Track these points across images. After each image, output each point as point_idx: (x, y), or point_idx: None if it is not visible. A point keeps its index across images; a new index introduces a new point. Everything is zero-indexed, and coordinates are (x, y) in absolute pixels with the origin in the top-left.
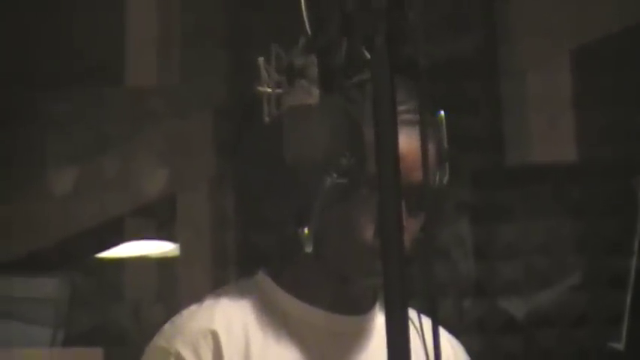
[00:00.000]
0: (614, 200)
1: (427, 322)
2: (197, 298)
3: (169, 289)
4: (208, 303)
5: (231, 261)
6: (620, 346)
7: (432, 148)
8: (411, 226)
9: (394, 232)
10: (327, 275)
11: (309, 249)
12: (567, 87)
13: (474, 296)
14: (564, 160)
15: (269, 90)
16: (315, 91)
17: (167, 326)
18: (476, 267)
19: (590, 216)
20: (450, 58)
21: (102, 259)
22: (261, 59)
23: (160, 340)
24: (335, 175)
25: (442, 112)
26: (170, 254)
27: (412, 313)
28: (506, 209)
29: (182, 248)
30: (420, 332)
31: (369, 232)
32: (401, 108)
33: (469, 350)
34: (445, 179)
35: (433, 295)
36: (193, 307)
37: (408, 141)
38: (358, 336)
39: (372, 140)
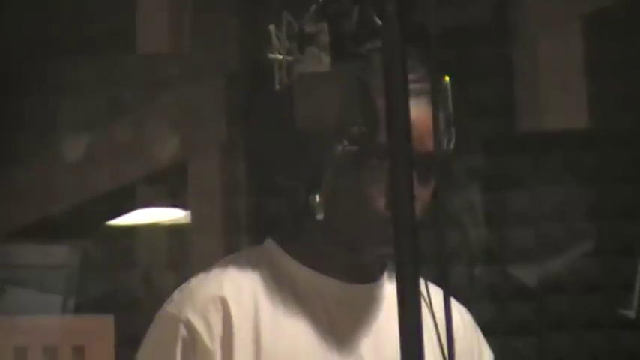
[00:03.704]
0: (626, 167)
1: (436, 292)
2: (208, 265)
3: (180, 257)
4: (217, 270)
5: (243, 228)
6: (631, 313)
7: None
8: (422, 195)
9: (406, 202)
10: (337, 243)
11: (320, 216)
12: (579, 53)
13: (485, 263)
14: (576, 127)
15: (280, 57)
16: (326, 59)
17: (176, 293)
18: (487, 234)
19: (602, 183)
20: (460, 24)
21: (113, 227)
22: (272, 26)
23: (169, 307)
24: (346, 143)
25: (447, 77)
26: (181, 221)
27: (421, 283)
28: (518, 176)
29: (193, 215)
30: (428, 303)
31: (380, 202)
32: (410, 76)
33: (480, 317)
34: (452, 144)
35: (444, 263)
36: (202, 275)
37: (417, 109)
38: (367, 304)
39: (383, 108)
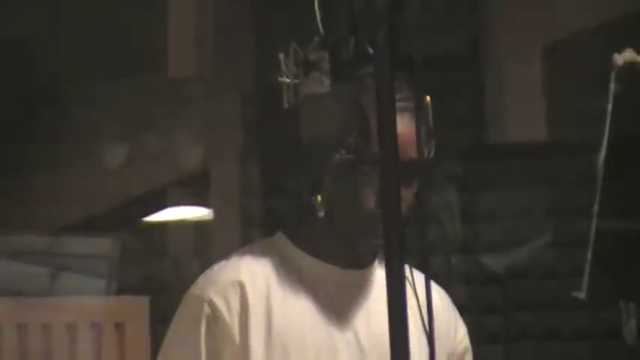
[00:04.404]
0: (579, 172)
1: (419, 277)
2: (227, 254)
3: (204, 247)
4: (235, 258)
5: (256, 224)
6: (582, 294)
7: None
8: (407, 195)
9: (393, 201)
10: (335, 236)
11: (321, 214)
12: (539, 76)
13: (460, 254)
14: (537, 138)
15: (288, 80)
16: (327, 82)
17: (201, 278)
18: (462, 229)
19: (559, 185)
20: (439, 52)
21: (147, 222)
22: (281, 54)
23: (195, 290)
24: (343, 152)
25: (428, 97)
26: (205, 218)
27: (406, 269)
28: (488, 180)
29: (215, 213)
30: (412, 285)
31: (372, 201)
32: (397, 96)
33: (456, 299)
34: (432, 153)
35: (426, 253)
36: (222, 262)
37: (402, 124)
38: (361, 287)
39: (375, 123)
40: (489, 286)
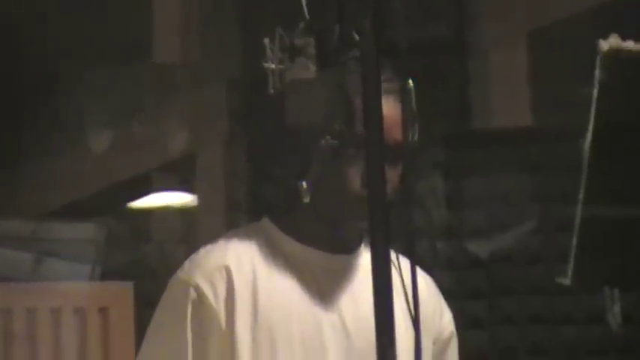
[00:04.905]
0: (564, 159)
1: (404, 262)
2: (212, 240)
3: (189, 233)
4: (221, 243)
5: (242, 209)
6: (567, 280)
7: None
8: (392, 176)
9: (379, 182)
10: (321, 220)
11: (306, 199)
12: (524, 63)
13: (446, 239)
14: (522, 124)
15: (273, 66)
16: (313, 67)
17: (187, 262)
18: (447, 214)
19: (544, 172)
20: (425, 39)
21: (133, 208)
22: (267, 40)
23: (181, 274)
24: (328, 138)
25: (411, 81)
26: (190, 204)
27: (392, 254)
28: (473, 166)
29: (200, 199)
30: (398, 269)
31: (356, 183)
32: (381, 78)
33: (441, 285)
34: (416, 136)
35: (412, 237)
36: (209, 246)
37: (387, 106)
38: (346, 271)
39: (360, 107)
40: (474, 272)
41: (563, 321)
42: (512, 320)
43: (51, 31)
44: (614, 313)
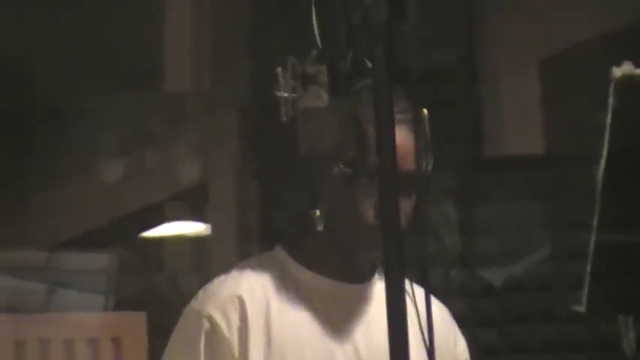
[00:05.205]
0: (575, 185)
1: (418, 290)
2: (225, 269)
3: (202, 262)
4: (234, 273)
5: (254, 238)
6: (581, 308)
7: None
8: (405, 206)
9: (392, 212)
10: (334, 249)
11: (320, 227)
12: (536, 90)
13: (459, 267)
14: (533, 151)
15: (286, 94)
16: (325, 95)
17: (200, 292)
18: (460, 242)
19: (556, 199)
20: (437, 65)
21: (145, 237)
22: (279, 68)
23: (194, 304)
24: (342, 165)
25: (425, 110)
26: (202, 233)
27: (406, 283)
28: (485, 193)
29: (212, 228)
30: (412, 298)
31: (370, 213)
32: (394, 108)
33: (454, 312)
34: (430, 165)
35: (425, 265)
36: (222, 277)
37: (400, 136)
38: (359, 301)
39: (373, 135)
40: (486, 300)
41: (576, 348)
42: (525, 348)
43: (62, 61)
44: (630, 341)
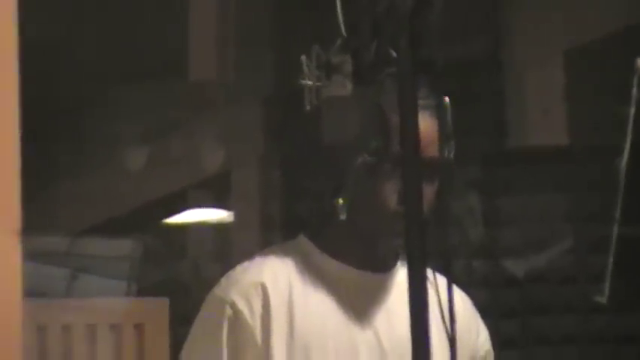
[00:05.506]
0: (599, 177)
1: (441, 280)
2: (247, 257)
3: (224, 250)
4: (258, 260)
5: (276, 226)
6: (603, 299)
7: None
8: (427, 193)
9: (415, 199)
10: (357, 238)
11: (343, 216)
12: (560, 82)
13: (482, 258)
14: (557, 143)
15: (310, 83)
16: (349, 85)
17: (223, 279)
18: (483, 233)
19: (579, 191)
20: (461, 57)
21: (168, 224)
22: (303, 57)
23: (217, 291)
24: (365, 155)
25: (447, 98)
26: (225, 220)
27: (428, 271)
28: (508, 185)
29: (235, 215)
30: (434, 287)
31: (393, 200)
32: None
33: (476, 303)
34: (452, 153)
35: (448, 255)
36: (245, 264)
37: (423, 123)
38: (382, 290)
39: (396, 125)
40: (509, 291)
41: (597, 340)
42: (546, 339)
43: (87, 50)
44: None
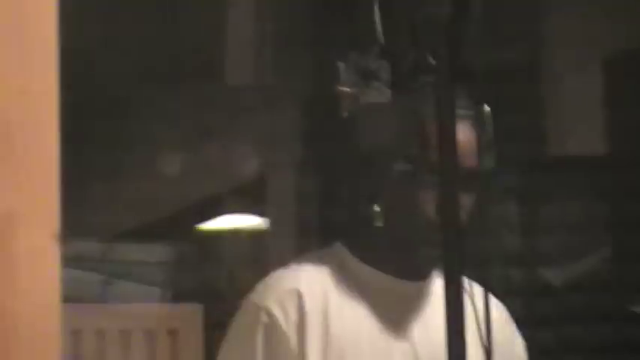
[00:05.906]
0: (638, 186)
1: (477, 289)
2: (282, 264)
3: (259, 256)
4: (293, 267)
5: (312, 233)
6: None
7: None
8: (465, 203)
9: (452, 208)
10: (394, 246)
11: (379, 223)
12: (599, 89)
13: (519, 266)
14: (595, 151)
15: (347, 89)
16: (387, 91)
17: (259, 286)
18: (520, 241)
19: (617, 199)
20: (500, 65)
21: (204, 230)
22: (341, 63)
23: (253, 297)
24: (402, 162)
25: (487, 107)
26: (260, 227)
27: (465, 282)
28: (547, 192)
29: (270, 222)
30: (471, 297)
31: (430, 209)
32: (456, 104)
33: (512, 312)
34: (492, 162)
35: (485, 264)
36: (280, 270)
37: (462, 133)
38: (418, 299)
39: (433, 132)
40: (545, 299)
41: (634, 350)
42: (582, 348)
43: (122, 54)
44: None
